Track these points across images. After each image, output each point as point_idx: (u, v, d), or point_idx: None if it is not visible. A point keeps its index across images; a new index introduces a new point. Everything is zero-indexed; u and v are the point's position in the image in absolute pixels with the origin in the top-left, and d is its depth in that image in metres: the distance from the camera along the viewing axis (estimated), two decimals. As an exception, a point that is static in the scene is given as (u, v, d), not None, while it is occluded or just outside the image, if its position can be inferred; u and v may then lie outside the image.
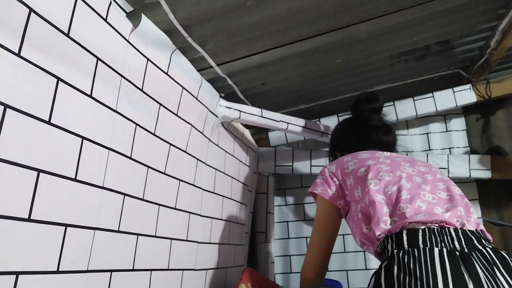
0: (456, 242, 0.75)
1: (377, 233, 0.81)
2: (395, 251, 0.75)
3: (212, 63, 1.13)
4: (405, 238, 0.77)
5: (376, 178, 0.89)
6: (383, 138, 1.14)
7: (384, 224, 0.82)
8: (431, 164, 1.06)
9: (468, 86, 1.70)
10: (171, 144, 1.03)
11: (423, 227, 0.77)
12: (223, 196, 1.40)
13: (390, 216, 0.83)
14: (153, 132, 0.95)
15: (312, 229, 1.04)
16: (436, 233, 0.76)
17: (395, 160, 0.97)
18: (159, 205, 0.99)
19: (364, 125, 1.17)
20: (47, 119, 0.63)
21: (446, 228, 0.77)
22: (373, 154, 1.01)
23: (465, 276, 0.67)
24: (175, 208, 1.06)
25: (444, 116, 1.89)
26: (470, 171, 1.69)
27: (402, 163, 0.95)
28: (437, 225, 0.77)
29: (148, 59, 0.89)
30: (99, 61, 0.75)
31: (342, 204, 0.97)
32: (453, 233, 0.76)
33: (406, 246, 0.75)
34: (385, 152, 1.04)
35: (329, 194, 0.98)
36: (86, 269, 0.73)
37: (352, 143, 1.15)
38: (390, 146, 1.15)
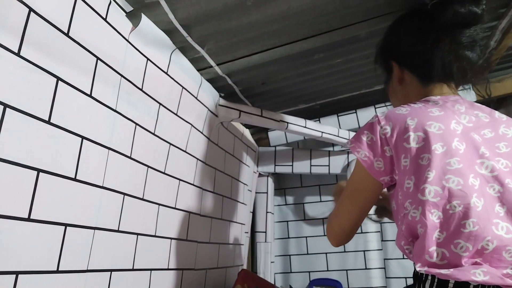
0: None
1: (417, 265, 0.64)
2: None
3: (212, 63, 1.13)
4: None
5: (439, 183, 0.65)
6: (471, 58, 0.79)
7: (429, 256, 0.63)
8: None
9: (468, 85, 1.70)
10: (171, 144, 1.03)
11: (477, 283, 0.59)
12: (223, 196, 1.40)
13: (439, 246, 0.63)
14: (153, 132, 0.95)
15: (344, 191, 0.81)
16: None
17: (471, 141, 0.70)
18: (159, 204, 0.99)
19: (454, 41, 0.78)
20: (47, 119, 0.63)
21: None
22: (447, 119, 0.71)
23: None
24: (175, 208, 1.06)
25: (444, 116, 1.89)
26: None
27: (482, 150, 0.68)
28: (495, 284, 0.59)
29: (148, 59, 0.89)
30: (98, 60, 0.75)
31: (387, 181, 0.74)
32: None
33: None
34: (462, 114, 0.74)
35: (373, 167, 0.73)
36: (85, 269, 0.73)
37: (429, 68, 0.80)
38: (474, 70, 0.82)
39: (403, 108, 0.75)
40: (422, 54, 0.81)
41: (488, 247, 0.60)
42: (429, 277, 0.64)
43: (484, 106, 0.79)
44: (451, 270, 0.60)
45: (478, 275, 0.58)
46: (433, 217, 0.64)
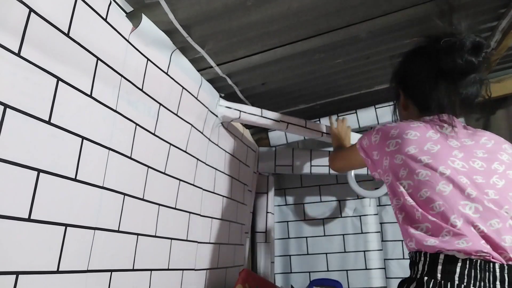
0: (498, 284, 0.64)
1: (409, 244, 0.76)
2: (426, 278, 0.68)
3: (212, 63, 1.13)
4: (440, 266, 0.67)
5: (411, 177, 0.77)
6: (468, 97, 0.87)
7: (415, 229, 0.74)
8: (498, 145, 0.83)
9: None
10: (171, 144, 1.03)
11: (464, 257, 0.66)
12: (223, 196, 1.40)
13: (421, 222, 0.74)
14: (153, 132, 0.95)
15: (339, 152, 1.22)
16: (478, 268, 0.65)
17: (446, 144, 0.80)
18: (159, 205, 0.99)
19: (450, 87, 0.86)
20: (47, 119, 0.63)
21: (491, 263, 0.66)
22: (425, 129, 0.83)
23: None
24: (175, 208, 1.06)
25: (444, 116, 1.89)
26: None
27: (455, 152, 0.79)
28: (481, 258, 0.65)
29: (148, 59, 0.89)
30: (99, 61, 0.75)
31: (377, 177, 0.94)
32: (497, 271, 0.65)
33: (439, 277, 0.67)
34: (444, 126, 0.84)
35: (368, 164, 0.95)
36: (86, 269, 0.73)
37: (427, 105, 0.90)
38: (469, 105, 0.89)
39: (393, 123, 0.90)
40: (422, 93, 0.91)
41: (456, 224, 0.69)
42: (422, 258, 0.71)
43: (468, 126, 0.90)
44: (437, 242, 0.69)
45: (462, 243, 0.67)
46: (410, 202, 0.76)
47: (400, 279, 0.76)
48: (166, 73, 0.97)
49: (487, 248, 0.65)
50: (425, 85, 0.89)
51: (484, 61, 0.84)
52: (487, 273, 0.65)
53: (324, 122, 1.70)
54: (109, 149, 0.79)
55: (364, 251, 1.81)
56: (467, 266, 0.65)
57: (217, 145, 1.35)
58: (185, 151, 1.11)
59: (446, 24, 0.88)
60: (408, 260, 0.78)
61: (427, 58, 0.89)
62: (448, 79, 0.85)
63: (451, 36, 0.84)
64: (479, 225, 0.68)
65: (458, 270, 0.65)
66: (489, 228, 0.68)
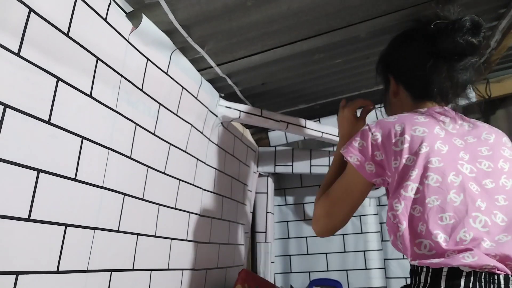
0: None
1: (409, 259, 0.70)
2: None
3: (212, 63, 1.13)
4: (443, 280, 0.65)
5: (420, 181, 0.71)
6: (464, 81, 0.85)
7: (417, 248, 0.68)
8: (499, 139, 0.81)
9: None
10: (171, 144, 1.03)
11: (468, 270, 0.64)
12: (223, 196, 1.40)
13: (423, 237, 0.68)
14: (153, 132, 0.95)
15: (334, 192, 0.85)
16: (483, 281, 0.63)
17: (453, 144, 0.76)
18: (159, 205, 0.99)
19: (450, 68, 0.82)
20: (47, 119, 0.64)
21: (496, 275, 0.64)
22: (431, 124, 0.78)
23: None
24: (175, 208, 1.06)
25: (444, 116, 1.89)
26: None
27: (461, 153, 0.75)
28: (486, 270, 0.63)
29: (148, 59, 0.90)
30: (99, 61, 0.75)
31: (379, 182, 0.80)
32: (502, 283, 0.64)
33: None
34: (446, 122, 0.81)
35: (365, 169, 0.79)
36: (86, 269, 0.73)
37: (425, 91, 0.86)
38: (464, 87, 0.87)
39: (392, 117, 0.82)
40: (420, 78, 0.86)
41: (466, 238, 0.65)
42: (424, 269, 0.68)
43: (466, 117, 0.86)
44: (442, 259, 0.65)
45: (467, 257, 0.63)
46: (414, 212, 0.70)
47: (400, 279, 0.75)
48: (166, 73, 0.97)
49: (492, 261, 0.63)
50: (422, 68, 0.83)
51: (483, 42, 0.80)
52: (492, 285, 0.63)
53: (324, 122, 1.70)
54: (109, 149, 0.79)
55: (364, 251, 1.81)
56: (472, 279, 0.63)
57: (217, 145, 1.35)
58: (185, 151, 1.11)
59: (441, 9, 0.85)
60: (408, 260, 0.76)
61: (422, 40, 0.85)
62: (447, 60, 0.82)
63: (444, 19, 0.82)
64: (487, 240, 0.65)
65: (462, 283, 0.63)
66: (497, 242, 0.65)
